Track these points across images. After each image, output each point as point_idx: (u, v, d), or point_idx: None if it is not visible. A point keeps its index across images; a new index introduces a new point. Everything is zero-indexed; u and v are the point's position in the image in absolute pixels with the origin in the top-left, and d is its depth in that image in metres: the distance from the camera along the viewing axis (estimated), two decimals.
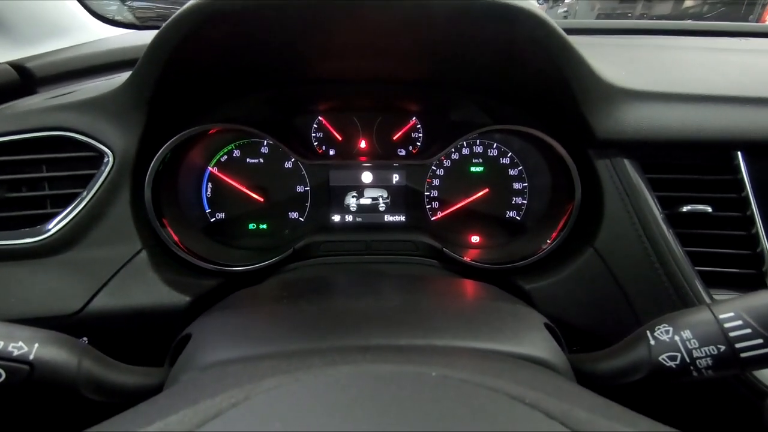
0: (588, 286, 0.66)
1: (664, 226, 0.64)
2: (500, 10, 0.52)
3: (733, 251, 0.64)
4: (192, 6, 0.50)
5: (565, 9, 6.08)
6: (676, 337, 0.37)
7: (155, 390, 0.39)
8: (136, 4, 1.40)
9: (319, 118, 0.83)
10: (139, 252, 0.64)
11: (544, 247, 0.73)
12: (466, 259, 0.75)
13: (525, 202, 0.84)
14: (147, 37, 0.55)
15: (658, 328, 0.39)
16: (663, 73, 0.76)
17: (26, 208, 0.63)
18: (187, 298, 0.63)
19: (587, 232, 0.68)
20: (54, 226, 0.61)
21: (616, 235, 0.65)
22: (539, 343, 0.40)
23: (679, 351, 0.37)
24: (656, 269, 0.63)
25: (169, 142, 0.67)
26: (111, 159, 0.64)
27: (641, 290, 0.64)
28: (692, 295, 0.62)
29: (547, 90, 0.67)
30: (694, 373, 0.36)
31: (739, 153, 0.64)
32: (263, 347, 0.37)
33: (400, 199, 0.83)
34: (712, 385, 0.61)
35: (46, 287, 0.60)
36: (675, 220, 0.65)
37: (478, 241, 0.85)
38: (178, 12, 0.51)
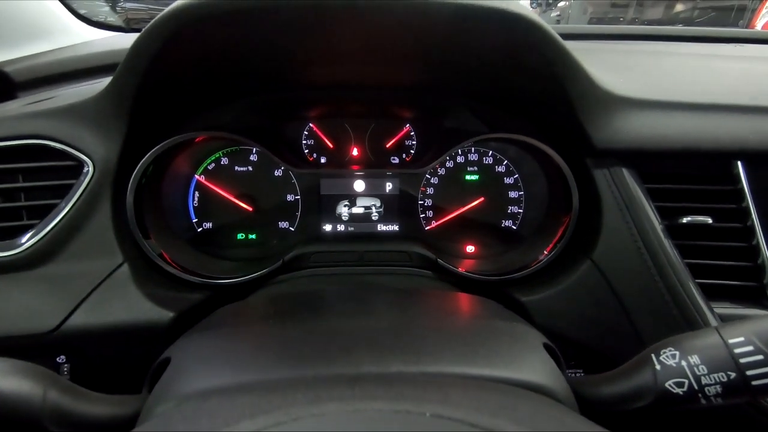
0: (586, 299, 0.64)
1: (663, 238, 0.62)
2: (497, 15, 0.50)
3: (734, 263, 0.63)
4: (172, 10, 0.47)
5: (558, 13, 6.13)
6: (684, 363, 0.35)
7: (129, 421, 0.36)
8: (128, 5, 1.37)
9: (310, 124, 0.81)
10: (120, 265, 0.61)
11: (541, 258, 0.71)
12: (461, 270, 0.73)
13: (521, 211, 0.82)
14: (133, 39, 0.53)
15: (664, 352, 0.37)
16: (660, 80, 0.74)
17: (1, 219, 0.60)
18: (171, 314, 0.61)
19: (585, 244, 0.67)
20: (29, 239, 0.58)
21: (614, 247, 0.64)
22: (538, 368, 0.38)
23: (687, 377, 0.35)
24: (656, 281, 0.62)
25: (152, 151, 0.65)
26: (91, 168, 0.61)
27: (640, 303, 0.63)
28: (692, 308, 0.60)
29: (544, 97, 0.65)
30: (703, 401, 0.35)
31: (738, 162, 0.63)
32: (245, 375, 0.35)
33: (394, 208, 0.81)
34: (724, 409, 0.59)
35: (20, 304, 0.57)
36: (675, 231, 0.63)
37: (473, 251, 0.83)
38: (157, 16, 0.49)
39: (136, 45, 0.52)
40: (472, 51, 0.60)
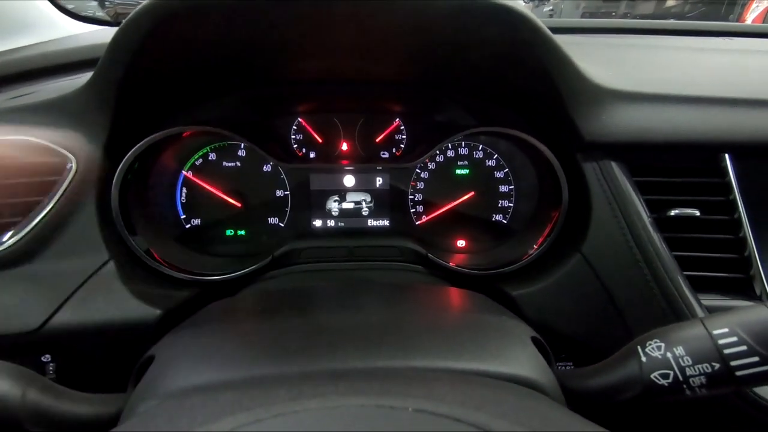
0: (576, 292, 0.65)
1: (651, 231, 0.62)
2: (487, 9, 0.50)
3: (721, 255, 0.64)
4: (146, 6, 0.46)
5: (551, 7, 6.10)
6: (669, 354, 0.35)
7: (112, 420, 0.36)
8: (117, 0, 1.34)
9: (299, 119, 0.80)
10: (106, 263, 0.60)
11: (531, 252, 0.71)
12: (452, 264, 0.73)
13: (511, 205, 0.82)
14: None
15: (650, 344, 0.37)
16: (650, 73, 0.74)
17: None
18: (158, 312, 0.60)
19: (574, 237, 0.67)
20: (10, 237, 0.57)
21: (603, 240, 0.64)
22: (525, 362, 0.38)
23: (672, 369, 0.35)
24: (644, 274, 0.62)
25: (136, 146, 0.64)
26: (74, 165, 0.60)
27: (629, 296, 0.63)
28: (680, 300, 0.61)
29: (534, 91, 0.65)
30: (687, 392, 0.35)
31: (726, 155, 0.63)
32: (229, 372, 0.35)
33: (384, 203, 0.80)
34: (713, 401, 0.59)
35: (2, 303, 0.56)
36: (663, 224, 0.63)
37: (464, 245, 0.83)
38: (136, 9, 0.48)
39: (116, 39, 0.51)
40: (463, 45, 0.60)
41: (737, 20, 4.42)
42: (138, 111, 0.65)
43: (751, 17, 4.26)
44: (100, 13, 1.22)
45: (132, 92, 0.59)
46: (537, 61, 0.57)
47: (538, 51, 0.55)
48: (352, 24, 0.55)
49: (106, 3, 1.31)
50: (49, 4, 1.01)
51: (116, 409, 0.37)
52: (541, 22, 0.53)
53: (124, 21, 0.49)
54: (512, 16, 0.51)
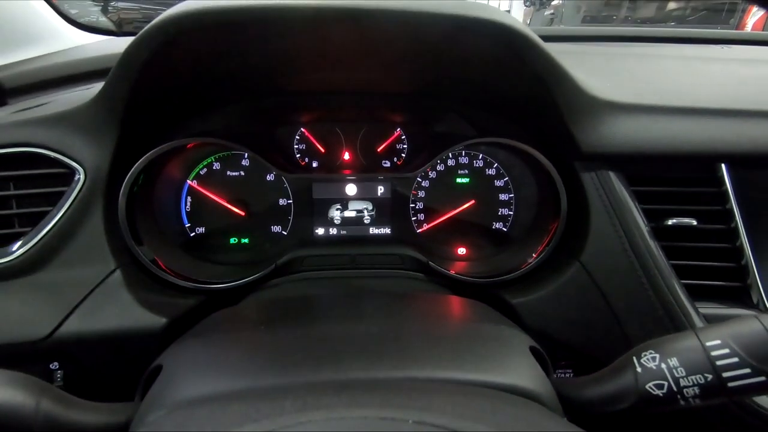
0: (574, 300, 0.65)
1: (649, 240, 0.63)
2: (482, 24, 0.51)
3: (718, 264, 0.64)
4: (163, 20, 0.48)
5: (552, 11, 6.13)
6: (663, 365, 0.36)
7: (121, 429, 0.37)
8: (120, 5, 1.36)
9: (302, 129, 0.82)
10: (113, 272, 0.62)
11: (530, 260, 0.72)
12: (452, 272, 0.74)
13: (511, 213, 0.83)
14: (125, 44, 0.53)
15: (645, 355, 0.38)
16: (647, 84, 0.75)
17: None
18: (164, 320, 0.61)
19: (573, 246, 0.68)
20: (20, 247, 0.58)
21: (602, 249, 0.65)
22: (524, 372, 0.39)
23: (666, 379, 0.36)
24: (642, 283, 0.63)
25: (143, 158, 0.65)
26: (82, 176, 0.61)
27: (628, 304, 0.64)
28: (678, 309, 0.61)
29: (532, 103, 0.66)
30: (681, 402, 0.36)
31: (723, 165, 0.64)
32: (235, 383, 0.36)
33: (386, 211, 0.81)
34: (710, 409, 0.60)
35: (12, 312, 0.57)
36: (660, 233, 0.64)
37: (464, 253, 0.84)
38: (148, 25, 0.49)
39: (127, 53, 0.52)
40: (461, 59, 0.61)
41: (738, 23, 4.44)
42: (145, 122, 0.66)
43: (751, 21, 4.28)
44: (102, 19, 1.24)
45: (140, 104, 0.61)
46: (534, 75, 0.58)
47: (535, 66, 0.56)
48: (353, 38, 0.56)
49: (109, 8, 1.33)
50: (55, 15, 1.03)
51: (125, 418, 0.38)
52: (537, 37, 0.54)
53: (135, 36, 0.51)
54: (507, 32, 0.52)
